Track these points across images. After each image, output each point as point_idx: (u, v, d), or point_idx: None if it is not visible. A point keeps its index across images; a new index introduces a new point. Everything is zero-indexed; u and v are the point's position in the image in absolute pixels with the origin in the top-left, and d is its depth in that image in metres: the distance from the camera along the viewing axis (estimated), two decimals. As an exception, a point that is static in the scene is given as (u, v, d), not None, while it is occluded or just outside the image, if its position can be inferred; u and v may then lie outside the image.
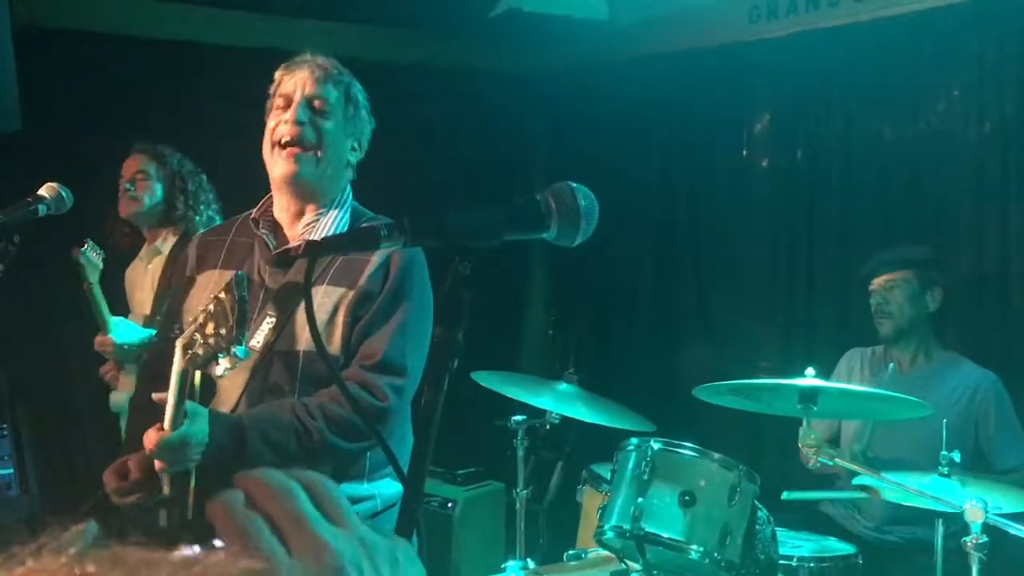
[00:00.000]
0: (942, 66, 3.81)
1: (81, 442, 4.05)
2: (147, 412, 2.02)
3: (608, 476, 3.16)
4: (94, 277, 3.19)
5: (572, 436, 3.96)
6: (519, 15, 4.73)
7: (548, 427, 3.55)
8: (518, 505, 3.61)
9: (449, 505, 4.10)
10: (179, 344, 1.75)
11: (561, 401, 3.26)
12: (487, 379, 3.23)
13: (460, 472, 4.25)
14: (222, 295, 1.60)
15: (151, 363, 2.29)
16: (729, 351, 4.42)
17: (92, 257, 3.14)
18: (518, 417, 3.53)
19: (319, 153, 2.10)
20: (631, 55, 4.89)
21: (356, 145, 2.22)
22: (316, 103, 2.10)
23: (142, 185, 3.51)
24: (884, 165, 3.99)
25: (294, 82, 2.11)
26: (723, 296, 4.62)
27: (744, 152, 4.59)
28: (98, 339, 3.33)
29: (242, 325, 1.56)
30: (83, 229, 3.25)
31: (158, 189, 3.52)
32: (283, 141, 2.09)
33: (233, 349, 1.57)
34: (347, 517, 0.62)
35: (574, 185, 1.18)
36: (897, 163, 3.95)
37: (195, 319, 1.72)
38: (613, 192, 5.00)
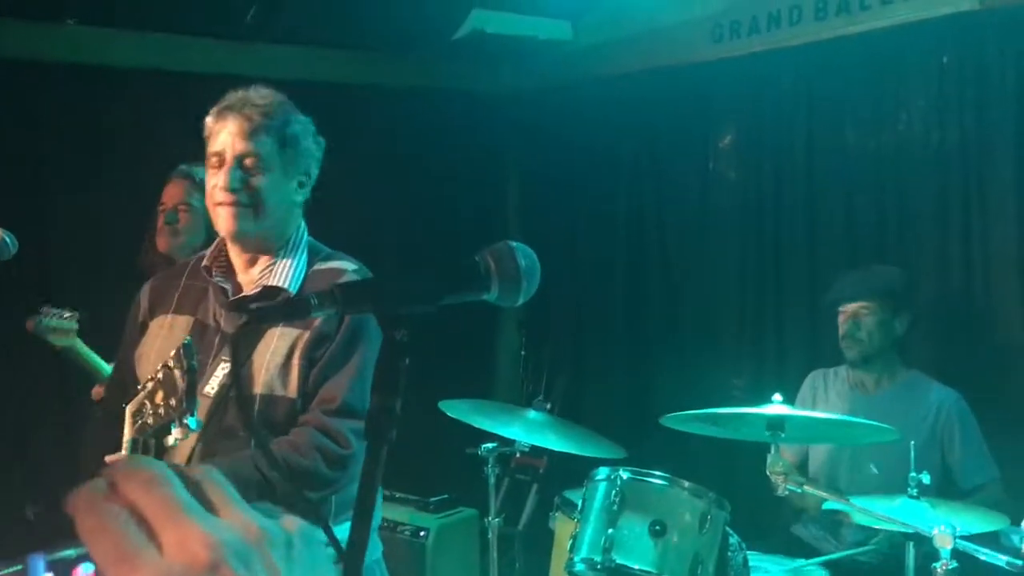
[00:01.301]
0: (903, 84, 3.83)
1: (40, 486, 3.94)
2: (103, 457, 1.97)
3: (579, 502, 3.14)
4: (67, 340, 2.96)
5: (546, 458, 3.93)
6: (483, 36, 4.73)
7: (518, 455, 3.52)
8: (490, 534, 3.57)
9: (421, 534, 4.05)
10: (128, 411, 1.71)
11: (531, 430, 3.22)
12: (455, 409, 3.19)
13: (432, 500, 4.20)
14: (171, 364, 1.57)
15: (109, 402, 2.24)
16: (701, 370, 4.40)
17: (55, 323, 2.91)
18: (488, 444, 3.49)
19: (257, 210, 2.06)
20: (595, 74, 4.89)
21: (304, 180, 2.17)
22: (247, 161, 2.05)
23: (184, 218, 3.08)
24: (848, 183, 4.00)
25: (222, 139, 2.06)
26: (693, 315, 4.61)
27: (710, 170, 4.59)
28: (97, 390, 3.11)
29: (191, 396, 1.53)
30: (47, 265, 3.17)
31: (201, 225, 3.03)
32: (218, 205, 2.07)
33: (184, 420, 1.54)
34: (231, 504, 0.54)
35: (513, 244, 1.16)
36: (861, 181, 3.97)
37: (144, 386, 1.68)
38: (581, 211, 5.06)
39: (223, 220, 2.07)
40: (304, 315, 1.05)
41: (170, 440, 1.60)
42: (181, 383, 1.54)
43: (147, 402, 1.65)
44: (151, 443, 1.74)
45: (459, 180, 5.13)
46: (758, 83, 4.30)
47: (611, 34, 4.81)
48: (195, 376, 1.53)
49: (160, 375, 1.62)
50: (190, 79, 4.35)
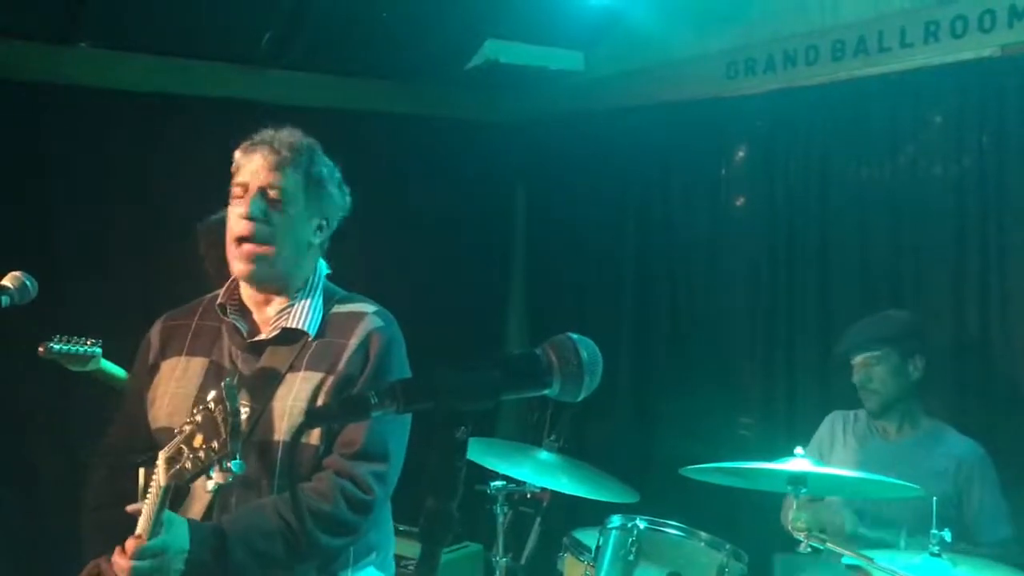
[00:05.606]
0: (921, 127, 3.79)
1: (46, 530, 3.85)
2: (113, 509, 1.93)
3: (589, 543, 3.09)
4: (85, 365, 2.93)
5: (550, 492, 3.88)
6: (496, 66, 4.72)
7: (529, 496, 3.48)
8: (498, 572, 3.53)
9: (426, 569, 4.00)
10: (163, 456, 1.67)
11: (542, 471, 3.20)
12: (466, 448, 3.15)
13: (437, 534, 4.15)
14: (211, 405, 1.54)
15: (116, 448, 2.17)
16: (709, 407, 4.35)
17: (64, 348, 2.87)
18: (497, 483, 3.46)
19: (273, 249, 2.04)
20: (607, 106, 4.87)
21: (323, 223, 2.15)
22: (271, 193, 2.04)
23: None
24: (863, 223, 3.96)
25: (249, 170, 2.06)
26: (703, 351, 4.56)
27: (722, 204, 4.55)
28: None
29: (236, 437, 1.50)
30: (53, 292, 3.09)
31: None
32: (238, 238, 2.04)
33: (227, 464, 1.50)
34: None
35: (575, 337, 1.12)
36: (876, 222, 3.93)
37: (180, 430, 1.64)
38: (590, 243, 5.02)
39: (237, 264, 2.06)
40: (364, 415, 1.02)
41: (209, 485, 1.58)
42: (224, 425, 1.50)
43: (184, 447, 1.61)
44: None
45: (469, 208, 5.11)
46: (772, 121, 4.26)
47: (624, 66, 4.80)
48: (239, 418, 1.50)
49: (199, 417, 1.58)
50: (203, 104, 4.33)
